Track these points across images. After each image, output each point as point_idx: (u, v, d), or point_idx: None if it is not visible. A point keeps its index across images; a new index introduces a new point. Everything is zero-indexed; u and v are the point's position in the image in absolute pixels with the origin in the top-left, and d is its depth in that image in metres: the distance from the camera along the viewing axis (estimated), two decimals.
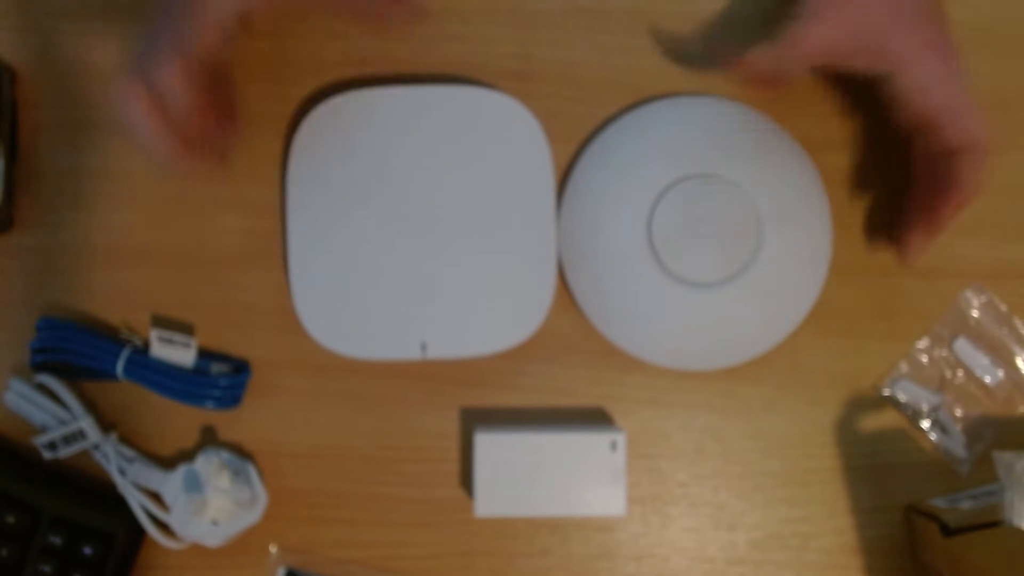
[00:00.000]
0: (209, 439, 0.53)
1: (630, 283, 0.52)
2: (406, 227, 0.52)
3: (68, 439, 0.51)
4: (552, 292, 0.52)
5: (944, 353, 0.55)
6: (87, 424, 0.51)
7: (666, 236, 0.51)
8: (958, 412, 0.54)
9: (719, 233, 0.51)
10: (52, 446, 0.51)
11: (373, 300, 0.52)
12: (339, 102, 0.52)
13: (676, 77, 0.55)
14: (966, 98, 0.48)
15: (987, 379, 0.54)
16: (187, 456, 0.53)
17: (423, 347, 0.51)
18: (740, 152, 0.52)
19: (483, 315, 0.52)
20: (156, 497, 0.52)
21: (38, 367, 0.52)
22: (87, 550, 0.50)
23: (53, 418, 0.51)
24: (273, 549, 0.53)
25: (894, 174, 0.54)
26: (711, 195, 0.51)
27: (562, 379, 0.54)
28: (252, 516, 0.51)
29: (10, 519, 0.50)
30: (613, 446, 0.49)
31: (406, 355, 0.52)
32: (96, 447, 0.51)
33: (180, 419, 0.53)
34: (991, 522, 0.44)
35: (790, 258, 0.52)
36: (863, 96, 0.53)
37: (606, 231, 0.52)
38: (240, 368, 0.53)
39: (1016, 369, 0.54)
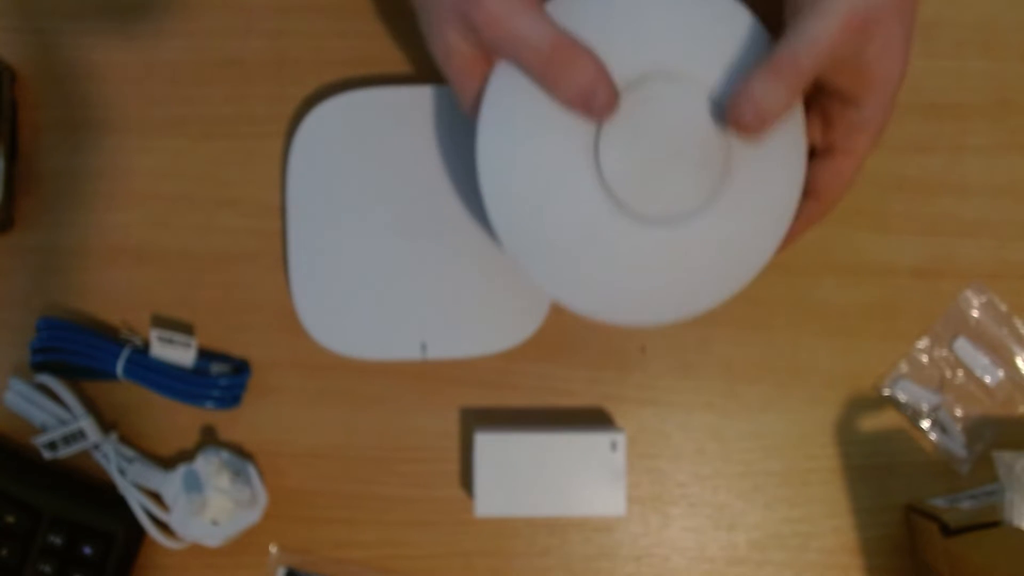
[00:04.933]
0: (209, 439, 0.53)
1: (572, 219, 0.42)
2: (406, 227, 0.51)
3: (68, 439, 0.51)
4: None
5: (944, 353, 0.55)
6: (87, 424, 0.51)
7: (617, 158, 0.41)
8: (958, 412, 0.54)
9: (681, 153, 0.41)
10: (52, 446, 0.51)
11: (373, 300, 0.51)
12: (339, 102, 0.52)
13: None
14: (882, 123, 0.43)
15: (987, 379, 0.54)
16: (187, 456, 0.53)
17: (423, 347, 0.51)
18: (720, 53, 0.42)
19: (483, 315, 0.52)
20: (156, 497, 0.52)
21: (38, 367, 0.52)
22: (87, 550, 0.50)
23: (53, 418, 0.51)
24: (273, 549, 0.53)
25: None
26: (680, 102, 0.41)
27: (562, 379, 0.54)
28: (252, 516, 0.51)
29: (10, 519, 0.50)
30: (613, 446, 0.49)
31: (406, 355, 0.51)
32: (96, 447, 0.51)
33: (180, 419, 0.53)
34: (991, 522, 0.44)
35: (762, 186, 0.43)
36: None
37: (538, 154, 0.42)
38: (240, 368, 0.53)
39: (1016, 369, 0.54)
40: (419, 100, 0.52)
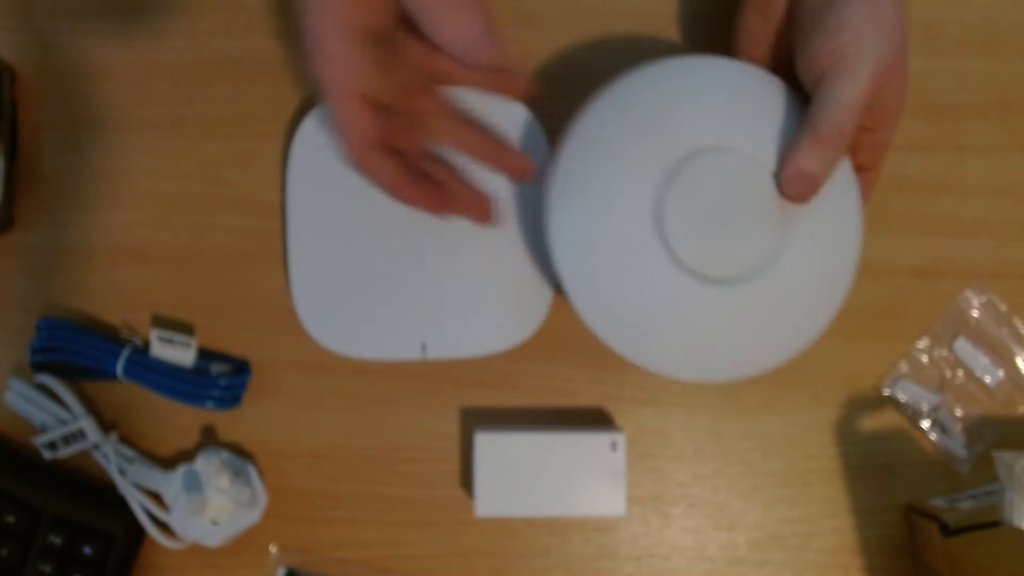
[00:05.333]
0: (209, 439, 0.53)
1: (634, 279, 0.45)
2: (406, 227, 0.51)
3: (68, 439, 0.51)
4: (552, 291, 0.52)
5: (944, 353, 0.55)
6: (87, 424, 0.51)
7: (679, 221, 0.43)
8: (958, 412, 0.54)
9: (738, 219, 0.44)
10: (52, 446, 0.51)
11: (373, 300, 0.51)
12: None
13: None
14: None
15: (987, 379, 0.54)
16: (187, 456, 0.53)
17: (423, 347, 0.51)
18: (760, 123, 0.45)
19: (483, 315, 0.52)
20: (156, 497, 0.52)
21: (38, 367, 0.52)
22: (87, 550, 0.50)
23: (53, 418, 0.51)
24: (273, 549, 0.53)
25: None
26: (730, 172, 0.44)
27: (562, 379, 0.54)
28: (252, 516, 0.51)
29: (10, 519, 0.50)
30: (613, 446, 0.49)
31: (406, 355, 0.51)
32: (96, 447, 0.51)
33: (180, 419, 0.53)
34: (991, 522, 0.44)
35: (819, 250, 0.45)
36: None
37: (605, 216, 0.45)
38: (240, 368, 0.53)
39: (1016, 369, 0.54)
40: None
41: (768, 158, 0.44)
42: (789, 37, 0.47)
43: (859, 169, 0.47)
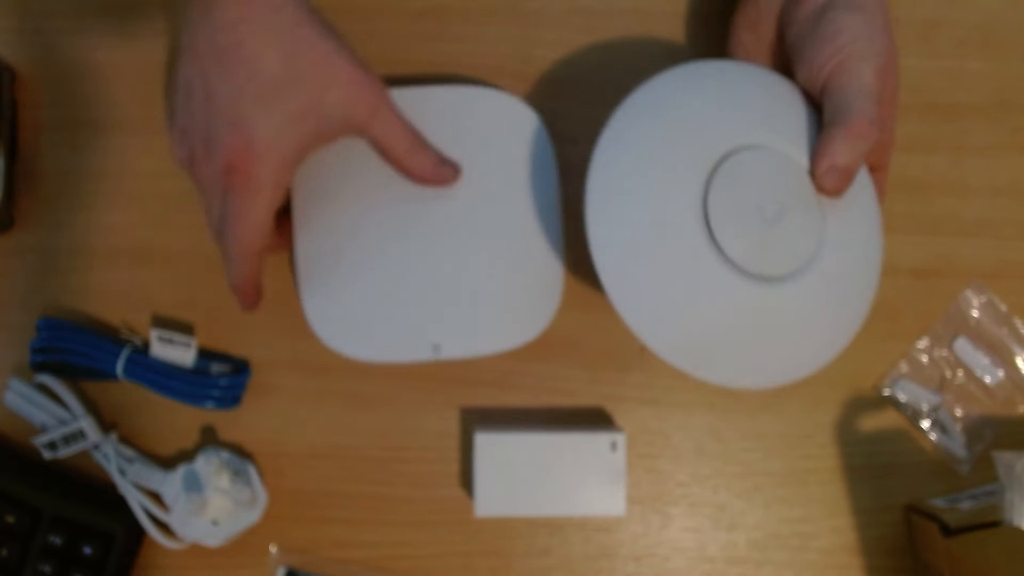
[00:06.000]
0: (209, 439, 0.53)
1: (684, 281, 0.43)
2: (414, 228, 0.51)
3: (68, 439, 0.51)
4: (561, 287, 0.52)
5: (944, 353, 0.55)
6: (87, 424, 0.51)
7: (726, 220, 0.42)
8: (958, 412, 0.54)
9: (782, 215, 0.43)
10: (52, 446, 0.51)
11: (384, 302, 0.51)
12: None
13: None
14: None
15: (987, 379, 0.54)
16: (187, 456, 0.53)
17: (436, 348, 0.51)
18: (786, 122, 0.45)
19: (495, 313, 0.51)
20: (156, 497, 0.52)
21: (38, 367, 0.52)
22: (87, 550, 0.50)
23: (53, 418, 0.51)
24: (273, 549, 0.53)
25: None
26: (768, 169, 0.43)
27: (562, 379, 0.54)
28: (252, 516, 0.51)
29: (10, 519, 0.50)
30: (613, 446, 0.49)
31: (419, 356, 0.51)
32: (96, 447, 0.51)
33: (180, 419, 0.53)
34: (991, 522, 0.44)
35: (852, 244, 0.45)
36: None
37: (650, 217, 0.43)
38: (240, 368, 0.53)
39: (1016, 369, 0.54)
40: (425, 100, 0.51)
41: (798, 154, 0.44)
42: (782, 51, 0.48)
43: (869, 169, 0.48)
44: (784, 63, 0.48)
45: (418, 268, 0.51)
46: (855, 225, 0.45)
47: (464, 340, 0.51)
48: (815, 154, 0.44)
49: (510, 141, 0.52)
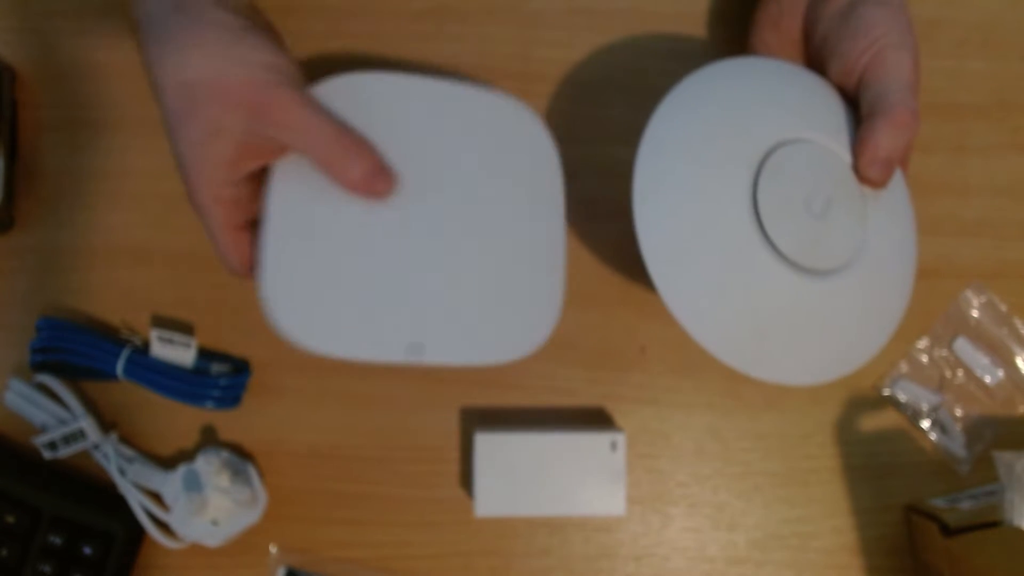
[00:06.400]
0: (209, 439, 0.53)
1: (738, 276, 0.43)
2: (402, 224, 0.48)
3: (68, 439, 0.51)
4: (560, 302, 0.49)
5: (944, 353, 0.55)
6: (87, 424, 0.51)
7: (775, 214, 0.42)
8: (958, 412, 0.54)
9: (829, 209, 0.43)
10: (52, 446, 0.51)
11: (357, 295, 0.47)
12: (339, 83, 0.47)
13: (677, 77, 0.55)
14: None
15: (987, 379, 0.54)
16: (187, 456, 0.53)
17: (415, 349, 0.48)
18: (825, 115, 0.45)
19: (484, 324, 0.48)
20: (156, 497, 0.52)
21: (38, 367, 0.52)
22: (87, 550, 0.50)
23: (53, 418, 0.51)
24: (273, 549, 0.53)
25: None
26: (812, 162, 0.43)
27: (562, 379, 0.54)
28: (252, 516, 0.51)
29: (10, 519, 0.50)
30: (613, 446, 0.49)
31: (392, 357, 0.47)
32: (96, 447, 0.51)
33: (180, 419, 0.53)
34: (991, 522, 0.44)
35: (893, 236, 0.45)
36: None
37: (700, 213, 0.43)
38: (240, 368, 0.53)
39: (1016, 369, 0.54)
40: (423, 93, 0.49)
41: (839, 148, 0.44)
42: (807, 48, 0.49)
43: None
44: (810, 61, 0.49)
45: (401, 265, 0.48)
46: (894, 218, 0.46)
47: (449, 345, 0.48)
48: (858, 145, 0.44)
49: (511, 143, 0.50)
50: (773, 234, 0.42)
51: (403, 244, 0.48)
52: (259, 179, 0.47)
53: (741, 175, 0.43)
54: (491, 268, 0.49)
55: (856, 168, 0.44)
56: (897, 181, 0.47)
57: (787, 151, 0.43)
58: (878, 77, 0.44)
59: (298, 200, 0.47)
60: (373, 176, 0.45)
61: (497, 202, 0.49)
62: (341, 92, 0.48)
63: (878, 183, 0.44)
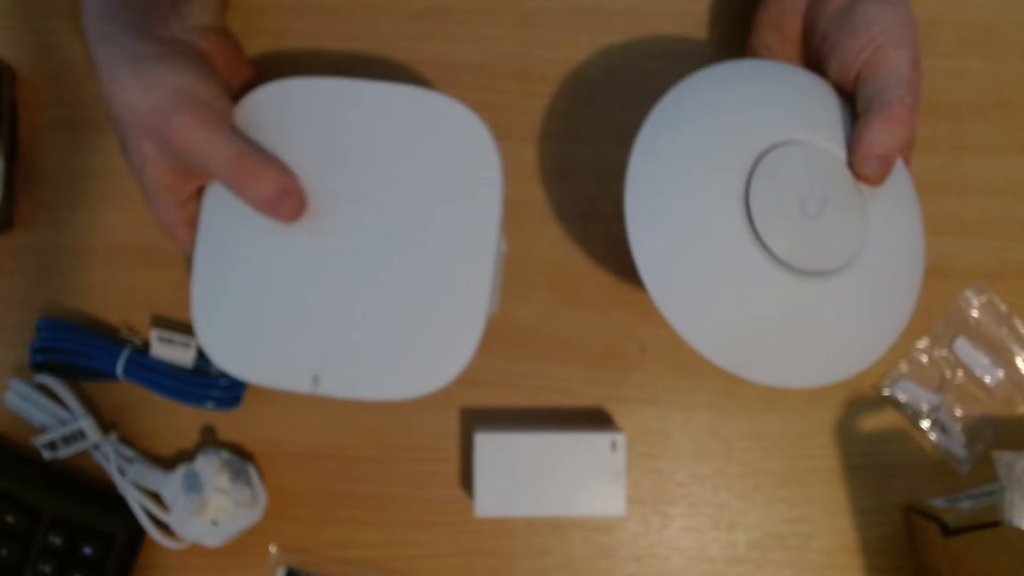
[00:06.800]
0: (209, 439, 0.53)
1: (729, 279, 0.42)
2: (320, 241, 0.45)
3: (68, 439, 0.51)
4: (479, 333, 0.45)
5: (944, 353, 0.55)
6: (87, 424, 0.51)
7: (769, 215, 0.42)
8: (958, 412, 0.54)
9: (825, 208, 0.42)
10: (52, 446, 0.51)
11: (270, 321, 0.45)
12: (270, 91, 0.46)
13: (677, 77, 0.55)
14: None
15: (987, 379, 0.54)
16: (187, 456, 0.53)
17: (315, 380, 0.45)
18: (821, 116, 0.45)
19: (385, 356, 0.45)
20: (156, 497, 0.52)
21: (38, 367, 0.52)
22: (87, 550, 0.50)
23: (53, 418, 0.51)
24: (273, 549, 0.53)
25: None
26: (808, 163, 0.43)
27: (562, 379, 0.54)
28: (252, 516, 0.51)
29: (10, 519, 0.50)
30: (613, 446, 0.49)
31: (297, 387, 0.45)
32: (96, 447, 0.51)
33: (180, 419, 0.53)
34: (991, 522, 0.44)
35: (896, 235, 0.45)
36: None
37: (692, 216, 0.43)
38: None
39: (1016, 369, 0.54)
40: (354, 96, 0.46)
41: (836, 149, 0.44)
42: (808, 48, 0.48)
43: None
44: (810, 61, 0.49)
45: (309, 289, 0.45)
46: (898, 216, 0.45)
47: (344, 377, 0.45)
48: (852, 142, 0.44)
49: (450, 153, 0.46)
50: (766, 236, 0.42)
51: (315, 267, 0.45)
52: None
53: (733, 178, 0.42)
54: (403, 294, 0.45)
55: (851, 165, 0.44)
56: (902, 179, 0.46)
57: (781, 153, 0.43)
58: (875, 74, 0.44)
59: (224, 222, 0.47)
60: (277, 198, 0.44)
61: (424, 219, 0.45)
62: (271, 101, 0.47)
63: (874, 180, 0.44)
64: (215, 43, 0.48)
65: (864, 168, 0.43)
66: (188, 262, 0.48)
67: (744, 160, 0.43)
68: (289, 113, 0.46)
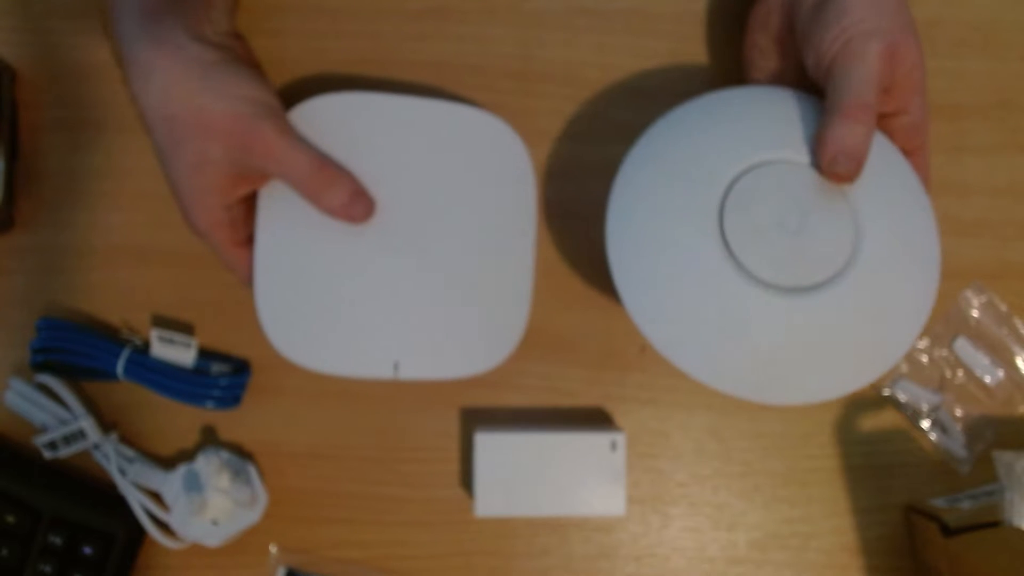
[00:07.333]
0: (209, 439, 0.53)
1: (703, 297, 0.43)
2: (382, 240, 0.49)
3: (68, 439, 0.51)
4: (526, 316, 0.50)
5: (944, 353, 0.55)
6: (87, 424, 0.51)
7: (743, 234, 0.43)
8: (958, 412, 0.54)
9: (807, 224, 0.43)
10: (52, 446, 0.51)
11: (344, 316, 0.49)
12: (315, 105, 0.49)
13: (677, 77, 0.55)
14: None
15: (987, 379, 0.54)
16: (187, 456, 0.53)
17: (395, 367, 0.49)
18: (807, 136, 0.45)
19: (457, 336, 0.50)
20: (156, 497, 0.52)
21: (38, 367, 0.52)
22: (87, 550, 0.50)
23: (53, 418, 0.51)
24: (273, 549, 0.53)
25: None
26: (787, 180, 0.44)
27: (562, 379, 0.54)
28: (252, 516, 0.51)
29: (10, 519, 0.50)
30: (613, 446, 0.49)
31: (379, 373, 0.49)
32: (96, 447, 0.51)
33: (180, 419, 0.53)
34: (991, 522, 0.44)
35: (896, 242, 0.44)
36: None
37: (667, 234, 0.44)
38: (240, 368, 0.53)
39: (1016, 369, 0.54)
40: (405, 111, 0.50)
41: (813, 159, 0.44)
42: (793, 45, 0.48)
43: (904, 153, 0.47)
44: (794, 58, 0.48)
45: (378, 284, 0.49)
46: (897, 217, 0.45)
47: (422, 361, 0.49)
48: (816, 144, 0.44)
49: (488, 160, 0.50)
50: (745, 259, 0.42)
51: (378, 265, 0.49)
52: (252, 199, 0.49)
53: (706, 201, 0.43)
54: (459, 284, 0.50)
55: (820, 169, 0.44)
56: (902, 177, 0.46)
57: (754, 176, 0.44)
58: (840, 70, 0.44)
59: (284, 224, 0.49)
60: (352, 203, 0.47)
61: (470, 217, 0.50)
62: (317, 114, 0.49)
63: (845, 178, 0.43)
64: (243, 49, 0.49)
65: (831, 168, 0.43)
66: (220, 258, 0.49)
67: (718, 184, 0.44)
68: (339, 125, 0.49)
